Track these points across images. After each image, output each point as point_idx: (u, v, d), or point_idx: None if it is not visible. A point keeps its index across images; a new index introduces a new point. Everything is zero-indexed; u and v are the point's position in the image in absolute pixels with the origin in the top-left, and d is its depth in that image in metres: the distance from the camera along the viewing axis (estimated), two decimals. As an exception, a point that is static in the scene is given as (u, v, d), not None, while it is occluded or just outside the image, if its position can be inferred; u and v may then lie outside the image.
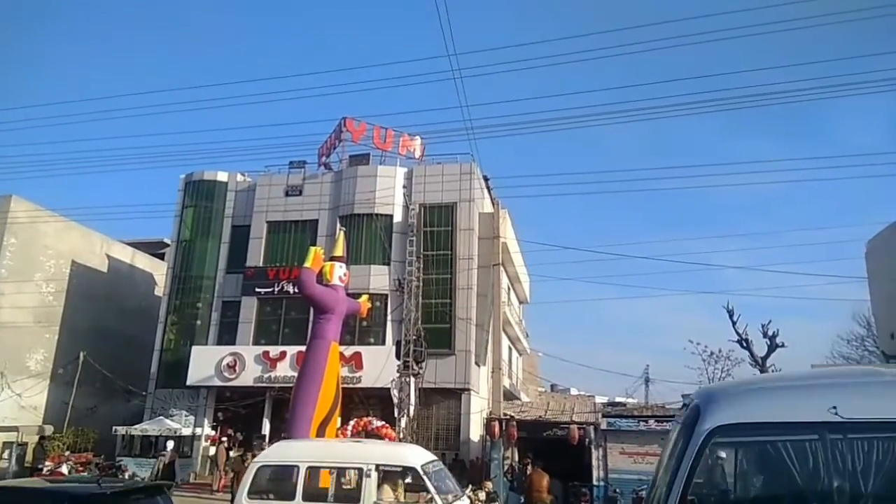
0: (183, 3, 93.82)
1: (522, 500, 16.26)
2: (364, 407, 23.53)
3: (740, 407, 4.01)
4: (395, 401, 20.73)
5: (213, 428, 25.37)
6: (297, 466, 9.91)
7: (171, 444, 18.34)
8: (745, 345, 20.06)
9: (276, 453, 10.91)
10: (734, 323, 19.97)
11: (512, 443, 20.44)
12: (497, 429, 20.16)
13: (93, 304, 30.55)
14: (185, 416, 24.82)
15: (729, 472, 4.09)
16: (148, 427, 24.22)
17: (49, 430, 25.42)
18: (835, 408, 3.62)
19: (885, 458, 3.58)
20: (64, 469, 17.98)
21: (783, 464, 3.73)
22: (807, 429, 3.69)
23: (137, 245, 35.49)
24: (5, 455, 23.18)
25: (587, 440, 19.34)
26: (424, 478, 9.53)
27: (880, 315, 28.47)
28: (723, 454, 3.98)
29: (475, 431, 23.49)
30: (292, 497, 9.57)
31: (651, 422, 19.06)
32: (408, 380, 20.56)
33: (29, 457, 22.98)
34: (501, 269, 28.26)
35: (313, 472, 10.20)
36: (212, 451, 23.42)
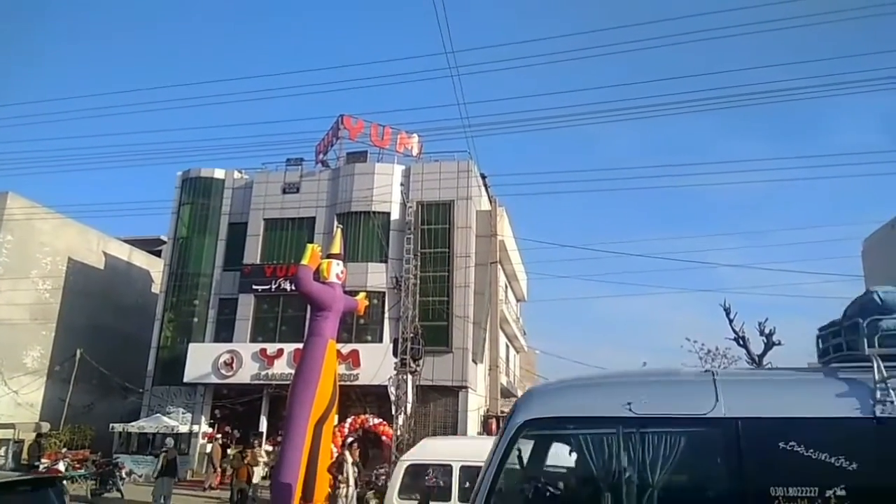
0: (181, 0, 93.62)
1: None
2: (361, 404, 23.54)
3: (549, 403, 4.37)
4: (393, 398, 20.73)
5: (211, 425, 25.36)
6: (451, 465, 9.48)
7: (170, 441, 18.48)
8: (741, 343, 20.00)
9: (426, 452, 10.31)
10: (731, 321, 19.91)
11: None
12: (494, 426, 20.20)
13: (89, 301, 30.49)
14: (183, 413, 24.81)
15: (537, 463, 4.39)
16: (145, 424, 24.21)
17: (46, 427, 25.38)
18: (629, 404, 3.92)
19: (671, 451, 3.85)
20: (61, 466, 17.95)
21: (586, 455, 4.00)
22: (606, 423, 3.98)
23: (134, 242, 35.42)
24: (1, 452, 23.17)
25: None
26: None
27: (876, 313, 28.55)
28: (532, 446, 4.29)
29: (473, 429, 23.52)
30: (448, 498, 9.17)
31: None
32: (405, 377, 20.57)
33: (25, 454, 22.95)
34: (499, 266, 28.29)
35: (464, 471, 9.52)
36: (209, 448, 23.43)
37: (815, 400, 3.89)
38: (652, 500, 3.79)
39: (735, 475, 3.75)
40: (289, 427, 16.57)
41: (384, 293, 25.18)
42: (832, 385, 3.92)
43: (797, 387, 4.17)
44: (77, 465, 19.39)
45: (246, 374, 24.55)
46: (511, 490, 4.26)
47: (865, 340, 3.95)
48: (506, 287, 31.79)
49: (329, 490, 15.02)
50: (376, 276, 25.34)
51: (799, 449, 3.66)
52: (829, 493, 3.55)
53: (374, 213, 26.17)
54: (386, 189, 26.18)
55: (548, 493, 4.41)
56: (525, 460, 4.26)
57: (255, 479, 18.44)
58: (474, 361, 24.80)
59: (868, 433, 3.67)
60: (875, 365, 3.79)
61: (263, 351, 24.69)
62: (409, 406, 20.66)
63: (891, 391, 3.70)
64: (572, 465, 4.18)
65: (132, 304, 32.21)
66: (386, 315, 24.98)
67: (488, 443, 4.87)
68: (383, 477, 16.35)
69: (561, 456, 4.31)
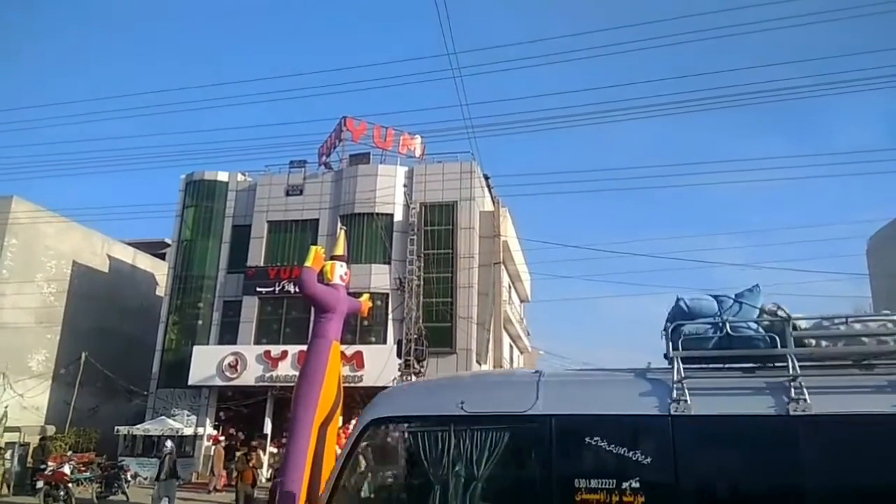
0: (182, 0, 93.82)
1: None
2: (365, 406, 23.52)
3: (393, 403, 4.82)
4: (397, 400, 20.71)
5: (216, 427, 25.39)
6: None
7: (169, 443, 18.49)
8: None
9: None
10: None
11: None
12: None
13: (94, 304, 30.57)
14: (187, 415, 24.83)
15: (381, 459, 4.81)
16: (150, 427, 24.23)
17: (51, 430, 25.43)
18: (462, 403, 4.29)
19: (496, 446, 4.22)
20: (66, 469, 17.96)
21: (424, 451, 4.33)
22: (441, 421, 4.35)
23: (138, 245, 35.51)
24: (7, 456, 23.19)
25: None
26: None
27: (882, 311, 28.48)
28: (377, 443, 4.71)
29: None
30: None
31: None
32: (409, 378, 20.58)
33: (30, 457, 23.00)
34: (502, 267, 28.25)
35: None
36: (213, 450, 23.47)
37: (620, 398, 4.21)
38: (476, 492, 4.14)
39: (546, 467, 4.07)
40: (293, 429, 16.54)
41: (388, 294, 25.17)
42: (638, 385, 4.24)
43: (607, 387, 4.46)
44: (82, 468, 19.40)
45: (250, 376, 24.57)
46: (356, 485, 4.64)
47: (670, 344, 4.25)
48: (509, 288, 31.75)
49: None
50: (380, 277, 25.35)
51: (602, 444, 3.96)
52: (625, 484, 3.83)
53: (377, 214, 26.17)
54: (389, 190, 26.19)
55: (389, 487, 4.82)
56: (371, 457, 4.68)
57: (262, 481, 18.42)
58: (478, 362, 24.78)
59: (664, 429, 3.95)
60: (675, 366, 4.08)
61: (268, 353, 24.72)
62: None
63: (686, 390, 3.98)
64: (412, 460, 4.50)
65: (137, 307, 32.27)
66: (390, 316, 24.97)
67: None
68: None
69: (403, 452, 4.66)
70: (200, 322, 27.21)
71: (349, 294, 20.41)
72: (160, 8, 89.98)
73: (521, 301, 37.65)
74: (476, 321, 24.72)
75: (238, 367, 24.72)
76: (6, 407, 24.78)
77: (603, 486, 3.88)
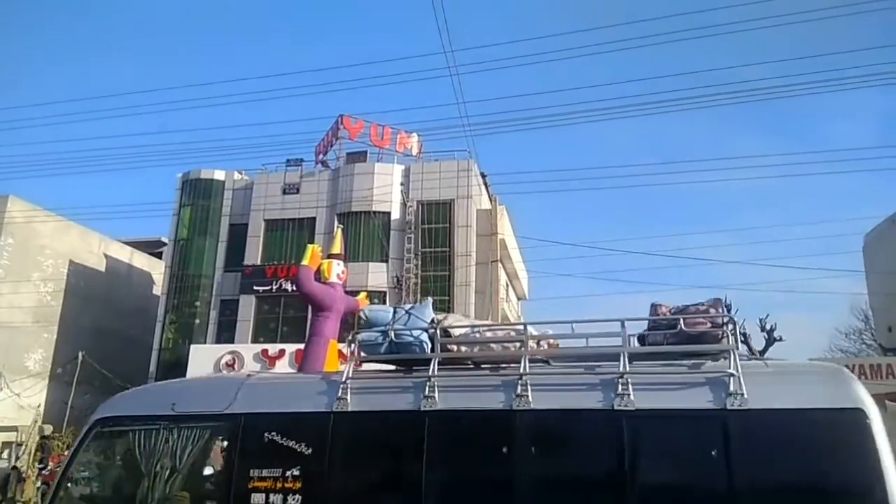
0: None
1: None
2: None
3: (117, 404, 5.17)
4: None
5: (213, 426, 25.38)
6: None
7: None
8: (742, 338, 20.04)
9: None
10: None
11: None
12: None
13: (91, 303, 30.52)
14: (185, 414, 24.79)
15: (106, 457, 5.20)
16: (147, 426, 24.19)
17: (48, 429, 25.42)
18: (174, 404, 4.73)
19: (199, 442, 4.68)
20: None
21: (141, 448, 4.71)
22: (156, 420, 4.76)
23: (135, 244, 35.45)
24: (4, 455, 23.20)
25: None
26: None
27: (878, 308, 28.56)
28: (103, 443, 5.07)
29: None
30: None
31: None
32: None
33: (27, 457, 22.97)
34: (500, 265, 28.28)
35: None
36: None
37: (298, 398, 4.75)
38: (177, 483, 4.61)
39: (232, 461, 4.56)
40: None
41: (385, 293, 25.18)
42: (317, 385, 4.78)
43: (292, 388, 5.13)
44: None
45: (248, 374, 24.56)
46: (79, 482, 5.06)
47: (355, 349, 4.80)
48: (507, 286, 31.78)
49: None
50: (377, 275, 25.35)
51: (276, 437, 4.44)
52: (288, 473, 4.33)
53: (374, 212, 26.18)
54: (386, 189, 26.19)
55: (110, 483, 5.19)
56: (94, 456, 5.09)
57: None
58: (476, 360, 24.79)
59: (326, 425, 4.45)
60: (347, 369, 4.62)
61: (265, 352, 24.70)
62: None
63: (349, 391, 4.48)
64: (130, 457, 4.86)
65: (133, 306, 32.23)
66: (387, 315, 24.96)
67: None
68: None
69: (122, 450, 5.06)
70: (198, 321, 27.19)
71: (346, 293, 20.45)
72: (159, 6, 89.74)
73: (519, 299, 37.69)
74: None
75: (235, 366, 24.70)
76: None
77: (271, 475, 4.36)
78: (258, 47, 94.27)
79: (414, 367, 4.72)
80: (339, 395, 4.47)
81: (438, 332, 4.62)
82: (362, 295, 21.59)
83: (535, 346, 4.69)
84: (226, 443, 4.75)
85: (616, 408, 3.96)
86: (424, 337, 4.68)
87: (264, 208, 27.53)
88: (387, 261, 25.58)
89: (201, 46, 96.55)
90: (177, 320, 27.72)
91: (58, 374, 28.56)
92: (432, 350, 4.59)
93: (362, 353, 4.84)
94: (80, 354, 27.56)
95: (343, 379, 4.53)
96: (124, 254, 34.15)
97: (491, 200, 29.44)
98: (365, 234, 26.16)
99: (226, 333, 26.57)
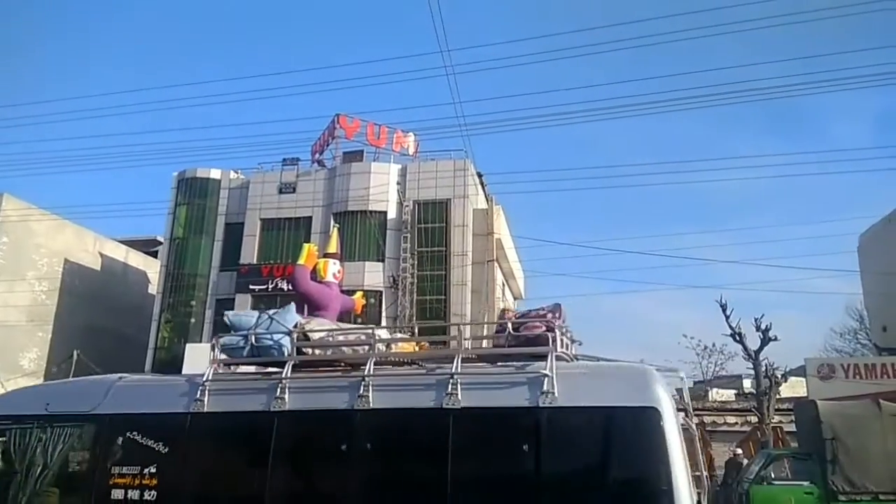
0: None
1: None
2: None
3: (1, 404, 5.41)
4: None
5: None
6: None
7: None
8: (738, 338, 20.07)
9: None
10: (727, 317, 20.01)
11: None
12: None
13: (86, 302, 30.42)
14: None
15: None
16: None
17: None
18: (48, 404, 4.97)
19: (67, 440, 4.87)
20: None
21: (16, 447, 4.91)
22: (30, 420, 4.97)
23: (130, 243, 35.33)
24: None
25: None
26: None
27: (873, 308, 28.67)
28: None
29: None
30: None
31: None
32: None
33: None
34: (496, 265, 28.30)
35: None
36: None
37: (160, 399, 4.95)
38: (47, 480, 4.79)
39: (97, 459, 4.74)
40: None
41: (381, 292, 25.18)
42: (180, 387, 4.94)
43: (158, 389, 5.34)
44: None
45: (243, 374, 24.52)
46: None
47: (215, 352, 5.08)
48: (503, 285, 31.79)
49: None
50: (373, 275, 25.34)
51: (136, 437, 4.64)
52: (146, 471, 4.53)
53: (370, 212, 26.18)
54: (382, 188, 26.19)
55: None
56: None
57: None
58: (472, 360, 24.80)
59: (182, 426, 4.66)
60: (209, 371, 4.81)
61: (261, 351, 24.68)
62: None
63: (207, 391, 4.68)
64: (6, 455, 5.05)
65: (129, 305, 32.13)
66: (383, 314, 24.97)
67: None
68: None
69: (1, 449, 5.18)
70: (193, 320, 27.15)
71: (342, 292, 20.47)
72: (156, 5, 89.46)
73: (515, 298, 37.68)
74: (469, 319, 24.76)
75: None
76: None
77: (130, 472, 4.56)
78: (254, 46, 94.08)
79: (275, 370, 4.86)
80: (198, 396, 4.68)
81: (297, 336, 4.86)
82: (358, 294, 21.58)
83: (383, 348, 4.97)
84: (92, 442, 4.93)
85: (444, 406, 4.22)
86: (285, 340, 4.86)
87: (260, 207, 27.50)
88: (383, 260, 25.58)
89: (197, 45, 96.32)
90: (172, 319, 27.67)
91: (53, 372, 28.44)
92: (288, 354, 4.80)
93: (223, 356, 5.09)
94: (75, 353, 27.46)
95: (202, 380, 4.75)
96: (119, 252, 34.05)
97: (487, 200, 29.45)
98: (361, 233, 26.15)
99: (221, 332, 26.49)
